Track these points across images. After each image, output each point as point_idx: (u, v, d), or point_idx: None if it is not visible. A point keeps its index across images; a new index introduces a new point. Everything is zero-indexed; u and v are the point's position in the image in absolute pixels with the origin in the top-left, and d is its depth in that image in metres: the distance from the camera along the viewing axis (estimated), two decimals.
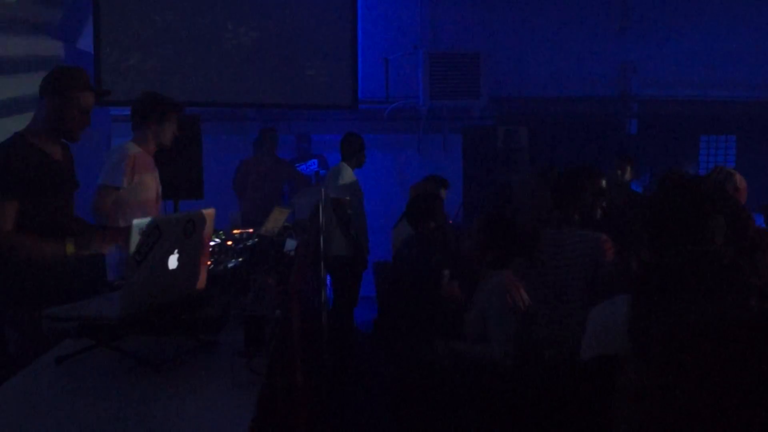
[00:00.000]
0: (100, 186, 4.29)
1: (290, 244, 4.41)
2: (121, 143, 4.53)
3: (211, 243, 3.69)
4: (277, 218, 4.86)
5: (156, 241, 2.29)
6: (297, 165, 8.60)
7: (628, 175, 7.34)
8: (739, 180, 4.44)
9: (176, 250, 2.44)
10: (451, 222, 6.64)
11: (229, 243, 3.93)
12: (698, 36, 9.08)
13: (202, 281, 2.70)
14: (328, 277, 6.52)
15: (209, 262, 3.28)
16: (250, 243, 4.04)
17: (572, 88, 9.19)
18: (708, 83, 9.23)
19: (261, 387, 2.10)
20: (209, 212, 2.68)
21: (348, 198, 6.49)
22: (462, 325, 3.98)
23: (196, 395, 2.09)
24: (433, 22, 9.24)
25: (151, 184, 4.48)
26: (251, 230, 4.49)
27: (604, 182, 5.22)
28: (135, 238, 2.21)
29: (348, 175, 6.70)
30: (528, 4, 9.21)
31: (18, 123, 6.20)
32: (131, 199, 4.33)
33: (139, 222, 2.24)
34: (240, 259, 3.61)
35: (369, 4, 8.93)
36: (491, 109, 9.16)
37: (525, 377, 2.64)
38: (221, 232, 4.17)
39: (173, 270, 2.44)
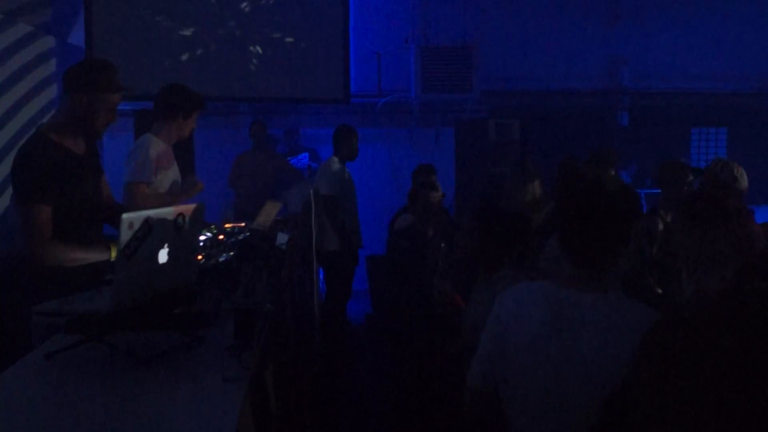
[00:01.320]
0: (130, 183, 4.25)
1: (282, 237, 4.41)
2: (143, 138, 4.50)
3: (202, 237, 3.68)
4: (269, 212, 4.85)
5: (146, 235, 2.29)
6: (288, 158, 8.60)
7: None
8: (737, 170, 4.47)
9: (166, 245, 2.44)
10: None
11: (221, 237, 3.92)
12: (689, 28, 9.10)
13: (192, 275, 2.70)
14: (321, 271, 6.52)
15: (200, 257, 3.28)
16: (241, 237, 4.04)
17: (564, 81, 9.21)
18: (699, 75, 9.25)
19: (250, 381, 2.10)
20: (199, 206, 2.68)
21: (337, 195, 6.47)
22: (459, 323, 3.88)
23: (186, 390, 2.09)
24: (424, 16, 9.24)
25: (171, 178, 4.50)
26: (243, 224, 4.49)
27: (612, 172, 5.27)
28: (125, 233, 2.21)
29: (338, 170, 6.66)
30: None
31: (10, 115, 6.22)
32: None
33: (129, 216, 2.24)
34: (231, 253, 3.60)
35: None
36: (483, 103, 9.17)
37: None
38: (212, 226, 4.16)
39: (163, 264, 2.44)
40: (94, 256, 3.30)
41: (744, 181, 4.45)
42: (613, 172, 5.28)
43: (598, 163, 5.67)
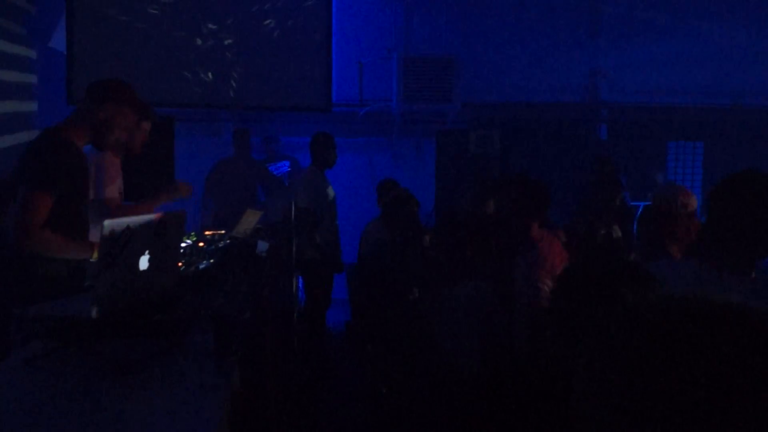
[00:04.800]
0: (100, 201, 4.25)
1: (262, 245, 4.43)
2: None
3: (183, 244, 3.69)
4: (249, 220, 4.88)
5: (127, 242, 2.30)
6: (268, 166, 8.58)
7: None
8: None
9: (147, 252, 2.45)
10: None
11: (201, 244, 3.94)
12: (667, 43, 9.20)
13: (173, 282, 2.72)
14: (300, 279, 6.53)
15: (180, 264, 3.30)
16: (221, 245, 4.05)
17: (544, 94, 9.28)
18: (676, 90, 9.35)
19: (230, 388, 2.11)
20: (181, 213, 2.70)
21: (313, 205, 6.46)
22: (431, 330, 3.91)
23: (165, 397, 2.10)
24: (407, 27, 9.29)
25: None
26: (223, 232, 4.50)
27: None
28: (106, 239, 2.22)
29: (316, 180, 6.64)
30: (501, 10, 9.29)
31: None
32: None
33: (111, 223, 2.25)
34: (211, 261, 3.62)
35: (344, 8, 8.95)
36: (464, 114, 9.21)
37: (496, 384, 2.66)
38: (193, 233, 4.17)
39: (144, 271, 2.45)
40: (75, 251, 3.33)
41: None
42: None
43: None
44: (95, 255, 3.25)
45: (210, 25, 8.15)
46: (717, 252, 2.41)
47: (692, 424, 0.81)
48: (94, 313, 2.26)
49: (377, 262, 5.34)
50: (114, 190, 4.40)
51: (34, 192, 3.21)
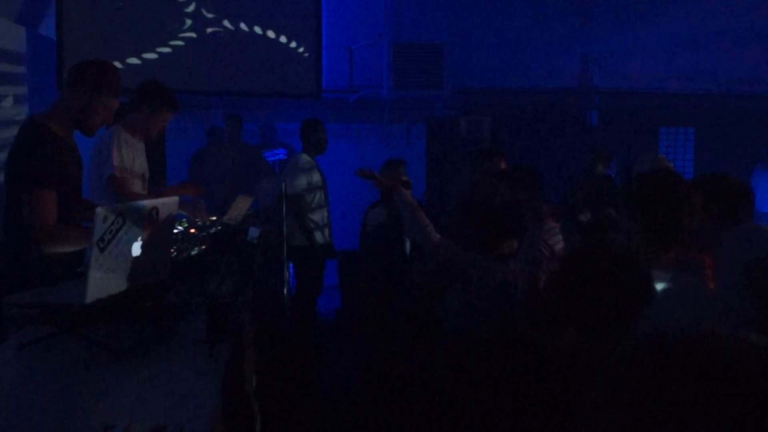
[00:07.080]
0: (113, 176, 4.19)
1: (253, 232, 4.43)
2: (113, 128, 4.46)
3: (174, 231, 3.69)
4: (241, 206, 4.87)
5: (120, 228, 2.30)
6: (264, 152, 8.56)
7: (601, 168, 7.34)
8: None
9: (140, 238, 2.45)
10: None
11: (192, 231, 3.93)
12: (658, 29, 9.20)
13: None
14: (291, 266, 6.52)
15: (173, 250, 3.30)
16: (213, 231, 4.05)
17: (535, 80, 9.27)
18: (668, 76, 9.37)
19: (223, 374, 2.12)
20: (173, 200, 2.69)
21: (303, 192, 6.45)
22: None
23: (159, 382, 2.11)
24: (397, 12, 9.26)
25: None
26: (214, 218, 4.49)
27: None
28: (99, 226, 2.22)
29: (305, 166, 6.61)
30: None
31: None
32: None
33: (104, 209, 2.25)
34: (203, 247, 3.62)
35: None
36: (454, 100, 9.20)
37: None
38: (184, 220, 4.17)
39: (137, 257, 2.45)
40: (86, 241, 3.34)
41: None
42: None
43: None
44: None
45: (200, 11, 8.11)
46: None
47: None
48: (87, 298, 2.26)
49: (377, 245, 5.35)
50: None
51: (37, 192, 3.15)
